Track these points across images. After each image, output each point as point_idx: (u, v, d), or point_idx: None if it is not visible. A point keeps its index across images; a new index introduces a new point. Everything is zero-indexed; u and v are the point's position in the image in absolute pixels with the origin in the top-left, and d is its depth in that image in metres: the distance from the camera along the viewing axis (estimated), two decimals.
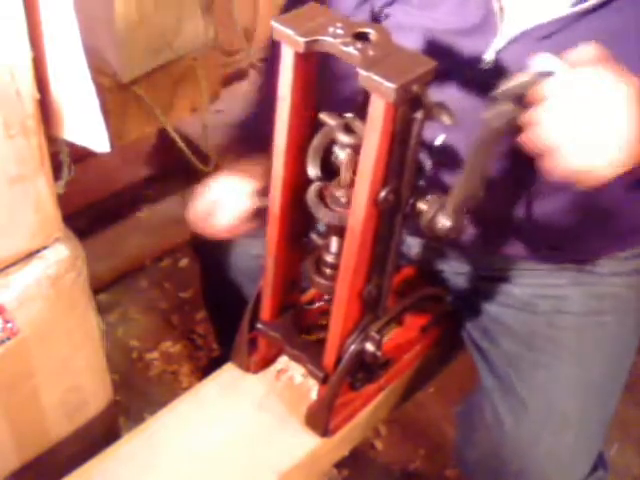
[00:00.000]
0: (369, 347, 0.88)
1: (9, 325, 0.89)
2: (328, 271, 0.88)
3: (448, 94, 0.86)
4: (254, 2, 1.75)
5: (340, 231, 0.81)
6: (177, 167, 1.86)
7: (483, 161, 0.75)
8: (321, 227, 0.90)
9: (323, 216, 0.81)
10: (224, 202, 0.99)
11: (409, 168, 0.75)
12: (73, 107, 0.84)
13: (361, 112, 0.75)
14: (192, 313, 1.68)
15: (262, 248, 0.92)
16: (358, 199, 0.75)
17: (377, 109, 0.68)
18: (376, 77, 0.66)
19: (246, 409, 0.98)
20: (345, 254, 0.80)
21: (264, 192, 0.94)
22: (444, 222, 0.77)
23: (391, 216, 0.79)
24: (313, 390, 0.99)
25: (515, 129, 0.69)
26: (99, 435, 1.09)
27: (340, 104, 0.81)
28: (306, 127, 0.79)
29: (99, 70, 1.31)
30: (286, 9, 0.93)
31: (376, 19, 0.95)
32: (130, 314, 1.67)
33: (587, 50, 0.67)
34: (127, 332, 1.64)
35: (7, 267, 0.88)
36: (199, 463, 0.93)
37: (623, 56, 0.73)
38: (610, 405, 1.03)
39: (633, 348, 1.05)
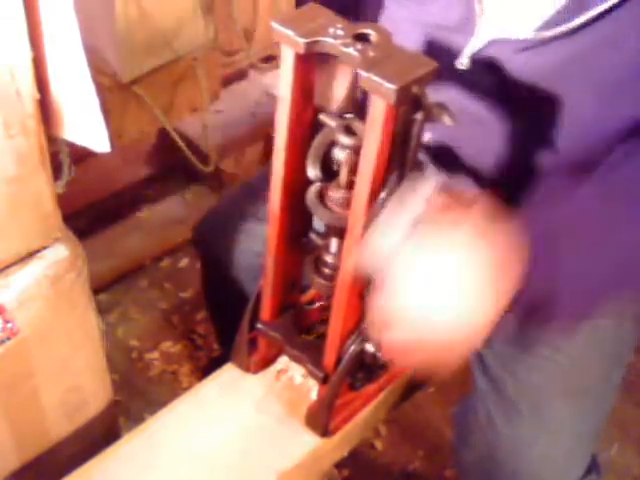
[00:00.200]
0: (369, 347, 0.88)
1: (9, 325, 0.89)
2: (328, 271, 0.88)
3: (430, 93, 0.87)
4: (254, 2, 1.76)
5: (340, 232, 0.81)
6: (177, 167, 1.87)
7: None
8: (321, 227, 0.90)
9: (323, 217, 0.81)
10: None
11: (409, 169, 0.75)
12: (73, 107, 0.84)
13: (361, 113, 0.75)
14: (192, 313, 1.68)
15: (261, 244, 0.92)
16: (358, 200, 0.75)
17: (377, 110, 0.68)
18: (376, 78, 0.66)
19: (246, 409, 0.98)
20: (345, 254, 0.80)
21: None
22: None
23: None
24: (313, 390, 0.99)
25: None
26: (99, 435, 1.09)
27: None
28: (306, 128, 0.79)
29: (99, 70, 1.31)
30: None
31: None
32: (130, 314, 1.67)
33: (464, 198, 0.65)
34: (127, 332, 1.64)
35: (7, 267, 0.88)
36: (199, 463, 0.93)
37: (588, 80, 0.79)
38: (604, 409, 1.03)
39: (628, 352, 1.05)
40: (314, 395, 0.98)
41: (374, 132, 0.69)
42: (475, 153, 0.92)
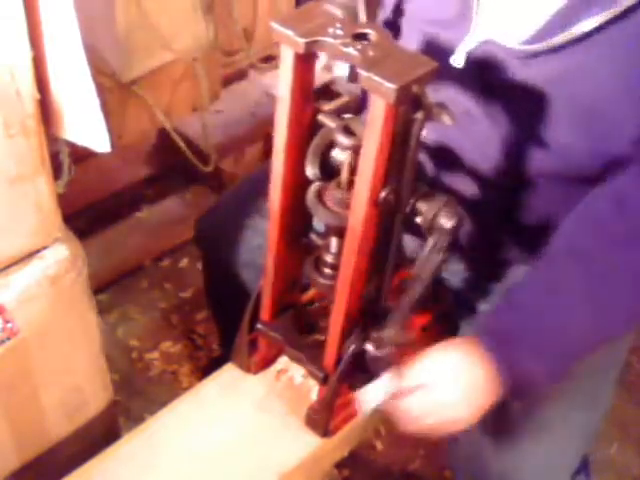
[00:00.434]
0: (369, 347, 0.88)
1: (9, 325, 0.89)
2: (328, 271, 0.88)
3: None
4: (254, 2, 1.75)
5: (340, 231, 0.81)
6: (177, 167, 1.87)
7: None
8: (320, 227, 0.90)
9: (322, 217, 0.82)
10: None
11: (409, 168, 0.75)
12: (73, 107, 0.84)
13: (360, 113, 0.75)
14: (192, 313, 1.68)
15: (263, 240, 0.92)
16: (358, 200, 0.75)
17: (377, 109, 0.68)
18: (376, 78, 0.66)
19: (246, 409, 0.98)
20: (345, 254, 0.80)
21: None
22: (444, 222, 0.77)
23: (391, 216, 0.79)
24: (313, 390, 0.99)
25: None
26: (99, 435, 1.09)
27: None
28: (306, 127, 0.79)
29: (99, 70, 1.31)
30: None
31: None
32: (130, 314, 1.67)
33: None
34: (127, 332, 1.64)
35: (7, 267, 0.88)
36: (199, 463, 0.93)
37: (564, 101, 0.80)
38: (596, 411, 1.02)
39: (621, 356, 1.04)
40: (314, 395, 0.98)
41: (374, 132, 0.69)
42: (468, 151, 0.92)
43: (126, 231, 1.78)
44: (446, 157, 0.94)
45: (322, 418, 0.94)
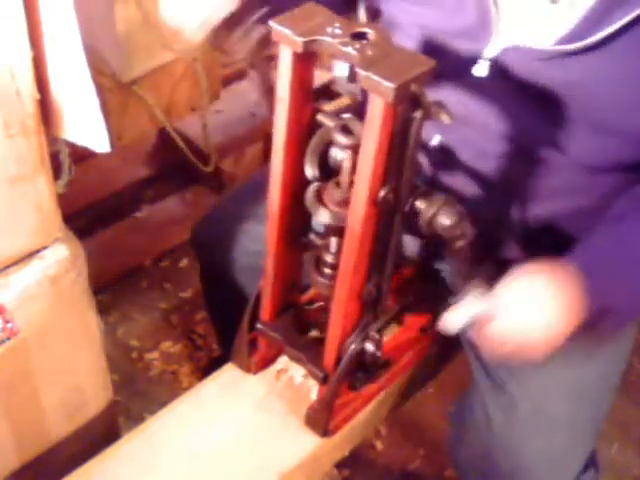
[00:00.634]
0: (369, 347, 0.88)
1: (9, 325, 0.89)
2: (328, 271, 0.88)
3: (442, 96, 0.87)
4: None
5: (339, 231, 0.81)
6: (177, 167, 1.87)
7: None
8: (320, 227, 0.90)
9: (322, 216, 0.82)
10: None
11: (408, 167, 0.75)
12: (73, 107, 0.84)
13: (359, 112, 0.75)
14: (192, 313, 1.68)
15: (260, 245, 0.92)
16: (357, 199, 0.75)
17: (376, 109, 0.68)
18: (375, 77, 0.66)
19: (246, 409, 0.98)
20: (344, 254, 0.80)
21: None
22: (443, 221, 0.77)
23: (390, 216, 0.79)
24: (313, 390, 0.99)
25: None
26: (99, 435, 1.09)
27: None
28: (305, 127, 0.79)
29: (99, 70, 1.31)
30: None
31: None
32: (130, 314, 1.67)
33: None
34: (127, 332, 1.64)
35: (7, 267, 0.88)
36: (199, 463, 0.93)
37: (609, 99, 0.79)
38: (602, 407, 1.03)
39: (626, 350, 1.05)
40: (314, 395, 0.98)
41: (373, 131, 0.69)
42: (479, 155, 0.92)
43: (126, 231, 1.78)
44: (443, 157, 0.94)
45: (322, 418, 0.94)
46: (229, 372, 1.02)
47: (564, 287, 0.79)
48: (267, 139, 1.84)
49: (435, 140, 0.92)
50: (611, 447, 1.50)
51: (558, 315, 0.79)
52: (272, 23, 0.71)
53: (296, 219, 0.87)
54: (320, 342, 0.92)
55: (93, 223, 1.73)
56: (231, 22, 0.96)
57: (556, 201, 0.92)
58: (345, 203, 0.79)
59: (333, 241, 0.86)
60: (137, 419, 1.25)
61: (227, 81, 1.83)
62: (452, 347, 1.15)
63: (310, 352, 0.93)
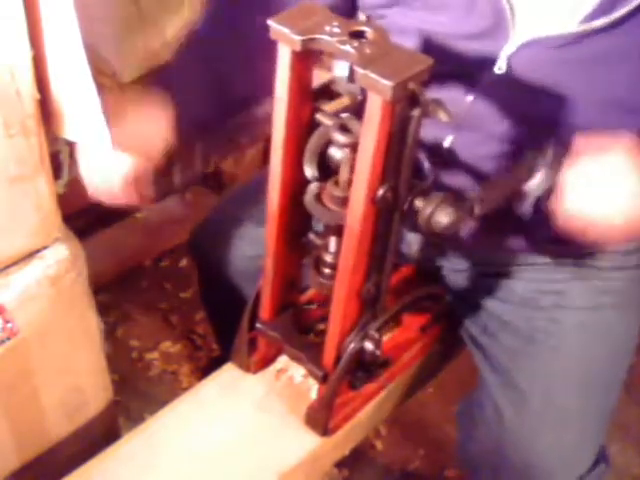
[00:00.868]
0: (368, 346, 0.88)
1: (9, 325, 0.89)
2: (327, 270, 0.88)
3: (458, 98, 0.86)
4: None
5: (338, 230, 0.81)
6: None
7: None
8: (320, 227, 0.90)
9: (321, 216, 0.82)
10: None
11: (406, 166, 0.75)
12: (74, 106, 0.84)
13: (357, 112, 0.75)
14: (192, 313, 1.68)
15: (258, 249, 0.92)
16: (356, 198, 0.75)
17: (374, 107, 0.68)
18: (373, 75, 0.66)
19: (246, 409, 0.98)
20: (343, 253, 0.80)
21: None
22: (441, 219, 0.77)
23: (389, 214, 0.79)
24: (313, 389, 0.99)
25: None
26: (99, 435, 1.09)
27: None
28: (304, 126, 0.80)
29: (99, 70, 1.31)
30: None
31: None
32: (130, 314, 1.67)
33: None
34: (127, 332, 1.64)
35: (7, 267, 0.88)
36: (199, 463, 0.93)
37: (630, 75, 0.78)
38: (610, 400, 1.03)
39: (634, 343, 1.05)
40: (314, 394, 0.98)
41: (371, 129, 0.70)
42: (492, 156, 0.92)
43: (126, 231, 1.78)
44: (456, 158, 0.94)
45: (322, 417, 0.94)
46: (229, 372, 1.02)
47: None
48: (267, 139, 1.85)
49: (448, 141, 0.92)
50: (611, 447, 1.50)
51: (633, 192, 0.75)
52: (270, 22, 0.71)
53: (295, 218, 0.87)
54: (319, 341, 0.92)
55: (93, 223, 1.73)
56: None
57: None
58: (344, 202, 0.79)
59: (332, 240, 0.86)
60: (137, 419, 1.25)
61: None
62: (452, 346, 1.15)
63: (309, 351, 0.93)
